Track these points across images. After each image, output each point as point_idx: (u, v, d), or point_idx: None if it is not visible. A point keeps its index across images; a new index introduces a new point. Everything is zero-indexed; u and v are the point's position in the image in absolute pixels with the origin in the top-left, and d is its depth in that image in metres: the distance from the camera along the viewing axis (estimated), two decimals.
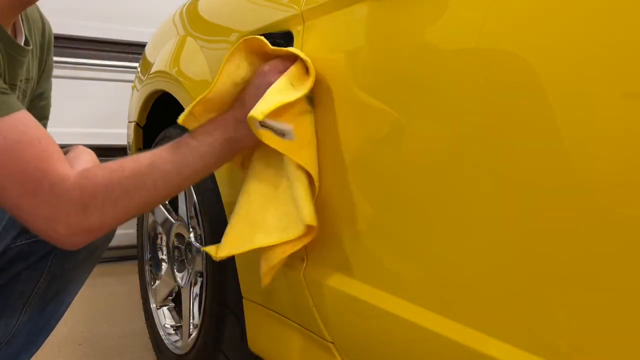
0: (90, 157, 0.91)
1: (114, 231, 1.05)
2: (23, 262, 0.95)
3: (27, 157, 0.66)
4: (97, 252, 1.03)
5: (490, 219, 0.54)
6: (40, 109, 0.98)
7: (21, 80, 0.86)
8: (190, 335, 1.25)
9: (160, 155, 0.74)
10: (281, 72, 0.76)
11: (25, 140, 0.67)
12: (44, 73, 0.97)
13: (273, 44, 0.85)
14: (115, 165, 0.72)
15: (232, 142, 0.77)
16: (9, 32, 0.78)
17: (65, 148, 0.97)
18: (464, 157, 0.57)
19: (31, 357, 1.02)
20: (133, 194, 0.71)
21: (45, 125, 1.01)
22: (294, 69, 0.76)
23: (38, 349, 1.03)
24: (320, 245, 0.81)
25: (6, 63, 0.77)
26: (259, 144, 0.79)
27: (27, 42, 0.85)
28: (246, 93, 0.79)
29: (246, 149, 0.82)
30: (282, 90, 0.72)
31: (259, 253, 0.80)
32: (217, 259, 0.81)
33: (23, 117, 0.69)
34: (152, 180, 0.72)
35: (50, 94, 1.00)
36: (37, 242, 0.95)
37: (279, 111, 0.71)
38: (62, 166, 0.69)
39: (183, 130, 1.21)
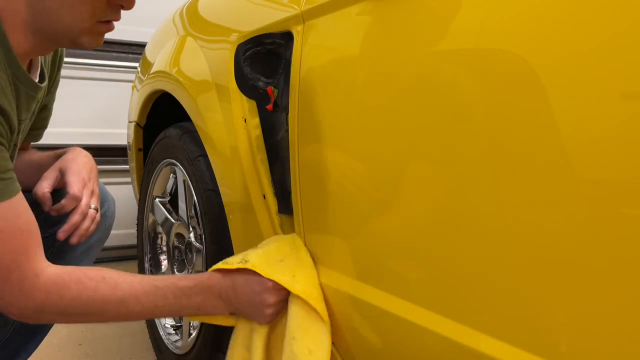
0: (86, 160, 0.93)
1: (109, 230, 1.06)
2: None
3: (6, 248, 0.70)
4: (92, 250, 1.03)
5: (490, 218, 0.54)
6: (41, 120, 0.99)
7: (32, 111, 0.86)
8: (190, 335, 1.25)
9: (135, 295, 0.77)
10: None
11: (7, 231, 0.70)
12: (51, 88, 0.97)
13: (270, 44, 0.85)
14: (91, 283, 0.75)
15: (203, 310, 0.82)
16: (25, 65, 0.78)
17: (63, 149, 0.97)
18: (464, 157, 0.57)
19: (30, 356, 1.02)
20: (91, 316, 0.76)
21: (41, 135, 1.02)
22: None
23: (36, 347, 1.03)
24: (320, 246, 0.81)
25: (22, 104, 0.78)
26: None
27: (42, 73, 0.85)
28: (239, 280, 0.82)
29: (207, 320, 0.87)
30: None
31: None
32: None
33: (15, 206, 0.71)
34: (115, 312, 0.76)
35: (52, 105, 1.01)
36: None
37: None
38: (37, 261, 0.73)
39: (183, 130, 1.22)
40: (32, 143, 1.03)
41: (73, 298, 0.74)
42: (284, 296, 0.79)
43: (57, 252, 0.97)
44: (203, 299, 0.81)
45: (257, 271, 0.79)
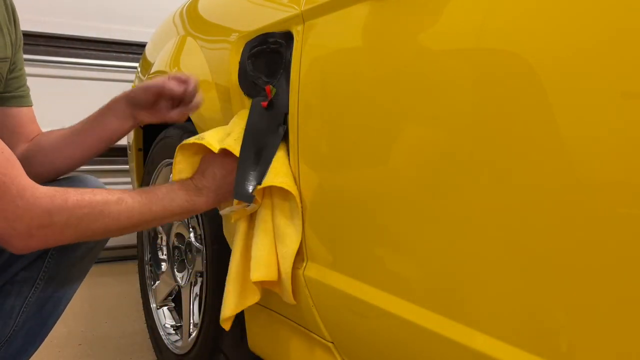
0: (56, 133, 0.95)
1: None
2: (19, 263, 0.95)
3: None
4: (93, 252, 1.03)
5: (489, 218, 0.54)
6: (16, 79, 0.99)
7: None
8: (190, 335, 1.25)
9: (130, 194, 0.81)
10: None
11: None
12: (14, 47, 0.97)
13: (273, 43, 0.85)
14: (87, 190, 0.78)
15: (189, 204, 0.86)
16: None
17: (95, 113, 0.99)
18: (464, 157, 0.57)
19: (30, 357, 1.02)
20: (97, 218, 0.76)
21: (29, 98, 1.02)
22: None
23: (37, 349, 1.03)
24: (320, 245, 0.81)
25: None
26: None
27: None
28: (205, 162, 0.89)
29: (199, 212, 0.90)
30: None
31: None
32: (223, 324, 0.89)
33: None
34: (117, 212, 0.78)
35: (23, 65, 1.02)
36: None
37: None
38: (26, 177, 0.73)
39: (183, 130, 1.22)
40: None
41: (76, 200, 0.74)
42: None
43: (59, 253, 0.97)
44: (184, 193, 0.85)
45: (207, 146, 0.85)
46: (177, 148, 0.89)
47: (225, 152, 0.85)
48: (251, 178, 0.85)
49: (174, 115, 0.95)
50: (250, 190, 0.83)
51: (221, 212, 0.88)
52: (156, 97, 0.93)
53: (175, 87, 0.91)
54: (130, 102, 0.93)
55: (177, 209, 0.84)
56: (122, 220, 0.79)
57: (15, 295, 0.96)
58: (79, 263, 1.01)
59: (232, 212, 0.87)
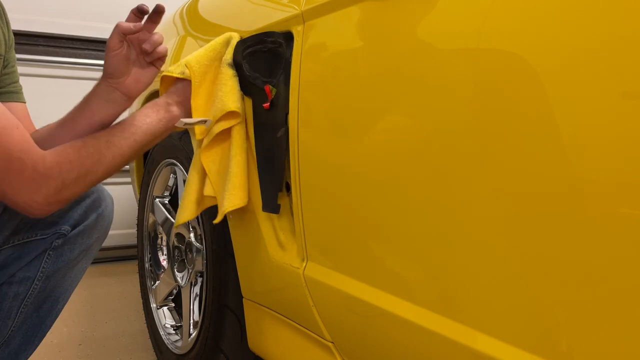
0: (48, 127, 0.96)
1: (108, 229, 1.06)
2: (16, 263, 0.95)
3: (12, 140, 0.76)
4: (90, 251, 1.03)
5: (489, 218, 0.54)
6: (9, 75, 1.01)
7: None
8: (190, 335, 1.25)
9: (114, 133, 0.87)
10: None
11: (8, 127, 0.76)
12: (7, 46, 0.98)
13: (272, 43, 0.85)
14: (79, 143, 0.83)
15: (165, 120, 0.92)
16: None
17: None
18: (463, 157, 0.57)
19: (29, 357, 1.02)
20: (97, 167, 0.84)
21: (21, 94, 1.04)
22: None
23: (35, 349, 1.03)
24: (320, 245, 0.81)
25: None
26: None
27: None
28: (178, 85, 0.97)
29: (178, 120, 0.97)
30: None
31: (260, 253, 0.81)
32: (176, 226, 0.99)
33: (2, 109, 0.77)
34: (111, 155, 0.85)
35: (15, 63, 1.04)
36: (30, 242, 0.96)
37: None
38: (38, 148, 0.79)
39: (183, 130, 1.21)
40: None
41: (76, 160, 0.82)
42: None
43: (56, 253, 0.97)
44: (157, 113, 0.91)
45: (168, 74, 0.95)
46: (159, 85, 0.99)
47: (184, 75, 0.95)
48: (272, 187, 0.89)
49: (151, 71, 0.94)
50: (276, 201, 0.89)
51: (176, 124, 0.94)
52: (124, 57, 0.91)
53: (129, 26, 0.89)
54: (108, 77, 0.92)
55: (158, 126, 0.91)
56: (117, 159, 0.86)
57: (13, 296, 0.96)
58: (76, 263, 1.01)
59: (190, 127, 0.94)
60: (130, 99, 0.93)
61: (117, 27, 0.88)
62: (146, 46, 0.90)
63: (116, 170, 0.88)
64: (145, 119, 0.90)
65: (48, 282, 0.98)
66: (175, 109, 0.93)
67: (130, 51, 0.91)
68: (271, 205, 0.89)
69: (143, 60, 0.93)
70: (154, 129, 0.90)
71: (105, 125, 0.91)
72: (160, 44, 0.92)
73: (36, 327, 1.01)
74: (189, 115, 0.94)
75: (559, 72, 0.48)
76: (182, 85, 0.95)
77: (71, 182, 0.81)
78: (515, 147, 0.51)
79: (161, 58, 0.93)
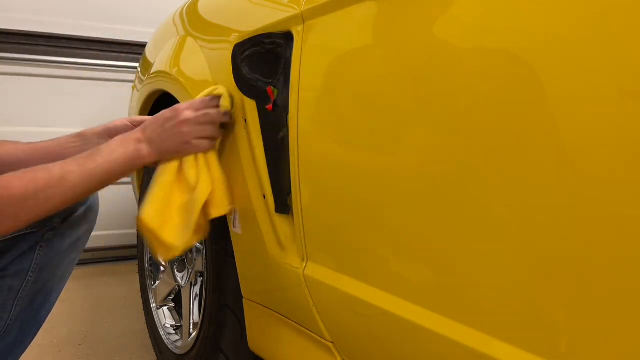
0: (13, 145, 0.96)
1: (95, 221, 1.08)
2: (9, 257, 0.97)
3: None
4: (79, 242, 1.06)
5: (490, 218, 0.54)
6: None
7: None
8: (190, 335, 1.25)
9: (69, 169, 0.82)
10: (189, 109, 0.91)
11: None
12: None
13: (270, 44, 0.85)
14: (29, 176, 0.79)
15: (131, 159, 0.89)
16: None
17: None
18: (464, 157, 0.57)
19: (24, 350, 1.04)
20: (44, 204, 0.80)
21: None
22: None
23: (31, 342, 1.06)
24: (320, 245, 0.81)
25: None
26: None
27: None
28: (149, 120, 0.94)
29: (144, 165, 0.93)
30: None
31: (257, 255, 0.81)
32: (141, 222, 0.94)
33: None
34: (62, 192, 0.81)
35: None
36: (22, 236, 0.97)
37: None
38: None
39: None
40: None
41: (21, 195, 0.77)
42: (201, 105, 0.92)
43: (46, 245, 0.99)
44: (124, 150, 0.88)
45: None
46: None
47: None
48: (283, 188, 0.88)
49: None
50: (287, 202, 0.87)
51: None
52: None
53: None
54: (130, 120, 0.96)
55: (122, 165, 0.87)
56: (69, 197, 0.83)
57: (8, 289, 0.97)
58: (67, 254, 1.04)
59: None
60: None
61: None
62: None
63: (71, 203, 0.85)
64: (110, 155, 0.86)
65: (41, 274, 1.00)
66: (144, 148, 0.90)
67: None
68: (282, 206, 0.89)
69: None
70: (117, 169, 0.87)
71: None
72: None
73: (31, 320, 1.03)
74: (158, 157, 0.91)
75: (561, 72, 0.48)
76: (162, 119, 0.91)
77: (9, 215, 0.77)
78: (517, 147, 0.51)
79: None
